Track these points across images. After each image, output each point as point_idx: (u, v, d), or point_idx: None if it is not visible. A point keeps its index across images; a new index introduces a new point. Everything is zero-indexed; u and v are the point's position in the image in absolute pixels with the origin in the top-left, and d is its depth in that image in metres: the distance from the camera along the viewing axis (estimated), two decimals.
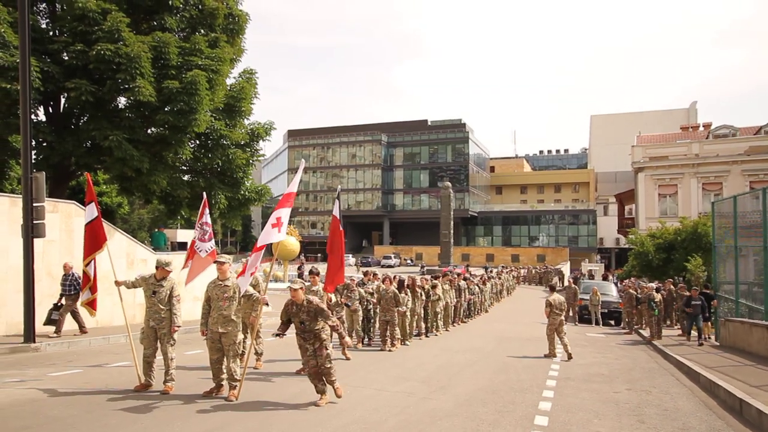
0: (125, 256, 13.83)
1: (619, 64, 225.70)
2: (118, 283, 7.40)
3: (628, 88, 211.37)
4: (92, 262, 7.88)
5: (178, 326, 7.10)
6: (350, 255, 59.64)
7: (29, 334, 10.02)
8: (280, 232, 7.26)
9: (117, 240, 13.64)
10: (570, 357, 11.02)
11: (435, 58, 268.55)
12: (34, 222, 10.19)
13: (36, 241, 10.45)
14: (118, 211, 29.42)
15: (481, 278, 22.56)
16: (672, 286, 17.77)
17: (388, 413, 6.37)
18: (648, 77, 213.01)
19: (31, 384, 7.29)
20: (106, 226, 13.39)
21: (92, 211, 7.85)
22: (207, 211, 8.78)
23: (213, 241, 8.75)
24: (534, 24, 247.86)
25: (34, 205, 10.21)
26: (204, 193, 10.13)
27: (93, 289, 7.95)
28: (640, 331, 16.67)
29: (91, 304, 8.06)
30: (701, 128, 46.86)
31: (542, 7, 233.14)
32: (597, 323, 19.78)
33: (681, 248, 23.97)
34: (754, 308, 11.99)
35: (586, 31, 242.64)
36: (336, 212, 9.37)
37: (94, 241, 7.78)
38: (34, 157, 14.61)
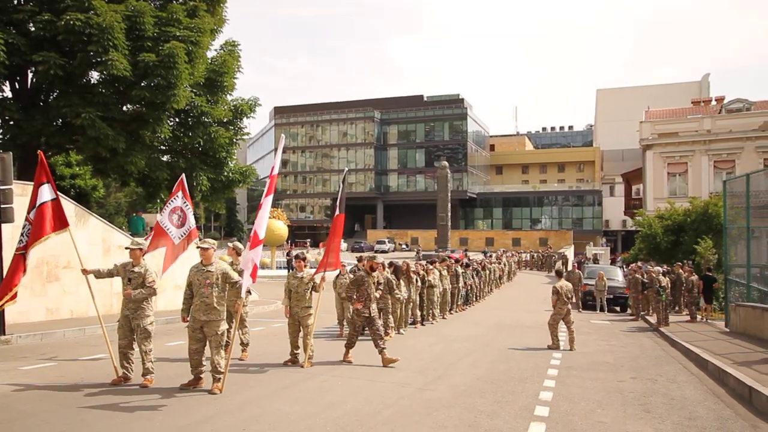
0: (101, 242, 13.76)
1: (626, 35, 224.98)
2: (86, 272, 7.30)
3: (636, 60, 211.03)
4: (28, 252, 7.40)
5: (131, 292, 6.88)
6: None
7: None
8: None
9: (92, 226, 13.56)
10: (572, 349, 11.01)
11: (431, 30, 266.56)
12: (2, 206, 10.08)
13: (4, 226, 10.35)
14: (92, 195, 29.21)
15: (480, 263, 22.65)
16: (681, 270, 17.94)
17: (382, 405, 6.42)
18: (658, 48, 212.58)
19: (2, 379, 7.27)
20: (81, 211, 13.36)
21: (47, 192, 7.44)
22: (180, 193, 8.68)
23: (189, 224, 8.65)
24: None
25: (1, 188, 10.10)
26: (183, 174, 10.02)
27: (16, 281, 7.30)
28: (647, 317, 16.85)
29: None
30: (713, 102, 46.90)
31: None
32: (602, 309, 19.95)
33: (690, 230, 24.09)
34: (766, 292, 12.11)
35: (591, 1, 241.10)
36: (339, 196, 9.36)
37: (52, 222, 7.39)
38: (0, 136, 14.46)
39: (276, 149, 8.27)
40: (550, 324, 11.41)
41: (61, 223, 7.54)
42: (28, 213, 7.59)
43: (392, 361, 8.53)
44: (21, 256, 7.44)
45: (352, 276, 12.24)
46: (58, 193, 7.75)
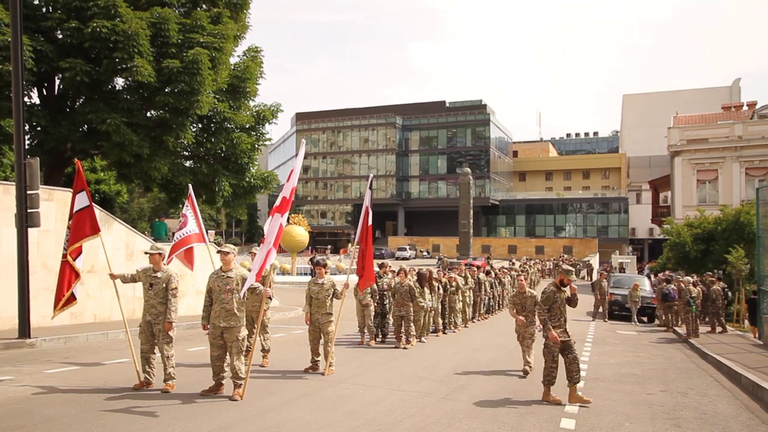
0: (124, 247, 13.96)
1: (654, 38, 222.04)
2: (113, 276, 7.44)
3: (664, 65, 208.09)
4: (80, 256, 7.72)
5: (171, 322, 7.04)
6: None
7: (24, 329, 10.16)
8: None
9: (116, 230, 13.76)
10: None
11: (453, 34, 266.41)
12: (29, 211, 10.28)
13: (30, 230, 10.56)
14: (116, 200, 29.67)
15: (500, 270, 22.41)
16: (711, 279, 17.49)
17: (403, 414, 6.37)
18: (687, 52, 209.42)
19: (26, 381, 7.40)
20: (105, 216, 13.56)
21: (83, 199, 7.74)
22: (187, 203, 8.91)
23: (188, 229, 8.77)
24: None
25: (28, 192, 10.30)
26: (190, 185, 10.24)
27: (66, 287, 7.63)
28: (676, 328, 16.52)
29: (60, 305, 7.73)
30: (745, 107, 45.89)
31: None
32: (634, 320, 19.38)
33: (721, 239, 23.56)
34: None
35: (615, 4, 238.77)
36: (367, 202, 9.39)
37: (85, 228, 7.69)
38: (27, 142, 14.78)
39: (304, 156, 8.20)
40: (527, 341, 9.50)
41: (92, 229, 7.73)
42: (69, 220, 7.85)
43: (585, 401, 7.08)
44: (65, 263, 7.73)
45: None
46: (92, 200, 7.96)
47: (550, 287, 7.55)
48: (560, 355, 7.34)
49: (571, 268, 7.86)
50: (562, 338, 7.31)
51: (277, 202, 7.36)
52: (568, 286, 7.55)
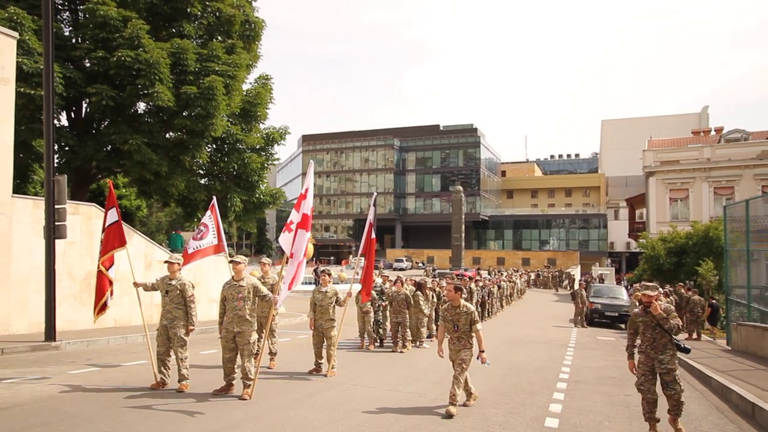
0: (143, 257, 13.94)
1: (630, 69, 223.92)
2: (136, 285, 7.50)
3: (639, 93, 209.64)
4: (113, 266, 7.84)
5: (192, 327, 7.12)
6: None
7: (50, 333, 10.13)
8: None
9: (136, 242, 13.75)
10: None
11: (446, 63, 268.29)
12: (56, 223, 10.31)
13: (57, 242, 10.57)
14: (136, 214, 29.69)
15: (489, 281, 22.37)
16: (683, 290, 17.49)
17: (399, 413, 6.34)
18: (660, 81, 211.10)
19: (51, 381, 7.37)
20: (126, 228, 13.56)
21: (113, 215, 7.88)
22: (210, 213, 8.88)
23: (209, 240, 8.73)
24: (544, 28, 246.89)
25: (56, 207, 10.33)
26: (213, 197, 10.16)
27: (101, 294, 7.73)
28: None
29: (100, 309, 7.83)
30: (713, 132, 46.22)
31: (552, 11, 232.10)
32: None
33: (692, 252, 23.60)
34: (766, 312, 11.79)
35: (597, 34, 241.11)
36: (371, 218, 9.42)
37: (114, 240, 7.80)
38: (56, 160, 14.84)
39: (305, 173, 8.24)
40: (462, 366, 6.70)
41: (120, 241, 7.83)
42: (102, 233, 7.98)
43: None
44: (100, 272, 7.84)
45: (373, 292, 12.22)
46: (120, 216, 8.06)
47: (635, 309, 6.06)
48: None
49: (648, 283, 5.91)
50: (643, 369, 5.83)
51: (299, 219, 7.30)
52: (651, 306, 5.70)
